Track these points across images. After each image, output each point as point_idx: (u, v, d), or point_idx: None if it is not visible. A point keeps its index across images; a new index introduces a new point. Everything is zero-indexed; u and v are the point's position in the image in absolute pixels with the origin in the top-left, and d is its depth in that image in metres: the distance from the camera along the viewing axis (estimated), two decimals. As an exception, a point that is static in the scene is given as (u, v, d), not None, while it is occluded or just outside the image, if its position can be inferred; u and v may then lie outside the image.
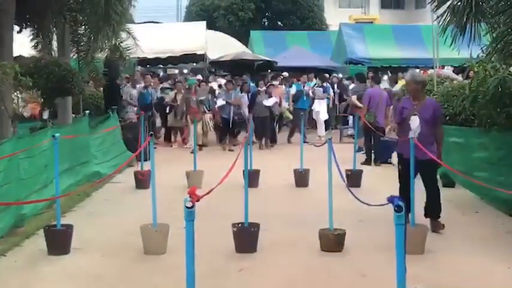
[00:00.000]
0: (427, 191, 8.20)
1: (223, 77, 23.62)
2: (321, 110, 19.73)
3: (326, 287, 6.27)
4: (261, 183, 11.60)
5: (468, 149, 10.22)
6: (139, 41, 16.94)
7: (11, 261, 7.07)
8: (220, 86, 20.22)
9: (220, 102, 17.56)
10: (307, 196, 10.81)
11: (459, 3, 8.63)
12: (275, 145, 18.13)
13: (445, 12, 8.99)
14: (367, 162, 14.28)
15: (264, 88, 18.40)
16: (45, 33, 13.90)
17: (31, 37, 14.03)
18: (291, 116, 19.14)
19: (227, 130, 17.58)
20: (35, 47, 14.33)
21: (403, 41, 26.17)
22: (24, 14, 12.22)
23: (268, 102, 17.55)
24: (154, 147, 8.88)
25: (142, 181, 11.26)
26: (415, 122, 8.09)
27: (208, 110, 17.57)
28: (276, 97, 18.01)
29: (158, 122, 18.65)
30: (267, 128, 17.73)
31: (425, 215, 8.21)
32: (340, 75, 24.20)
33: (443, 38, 9.25)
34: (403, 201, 7.35)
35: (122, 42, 15.41)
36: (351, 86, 20.64)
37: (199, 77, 22.22)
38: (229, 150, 16.75)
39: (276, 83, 19.60)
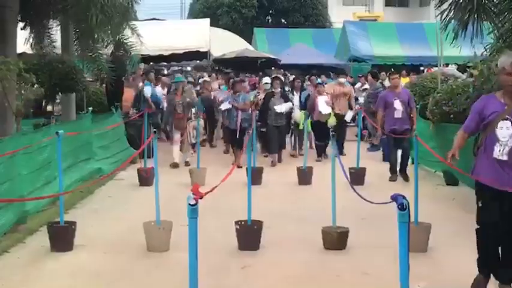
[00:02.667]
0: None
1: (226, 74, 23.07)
2: None
3: (329, 285, 6.26)
4: (264, 181, 11.59)
5: (472, 147, 10.19)
6: (142, 38, 16.89)
7: (14, 258, 7.08)
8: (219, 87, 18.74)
9: (225, 106, 14.31)
10: (310, 194, 10.81)
11: (461, 0, 8.62)
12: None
13: (447, 8, 8.98)
14: (393, 177, 11.93)
15: (310, 89, 15.93)
16: (49, 30, 13.89)
17: (35, 34, 14.01)
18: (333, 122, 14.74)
19: (234, 141, 14.03)
20: (39, 43, 14.32)
21: (407, 39, 26.14)
22: (28, 10, 12.23)
23: (281, 108, 14.09)
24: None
25: (145, 178, 11.26)
26: (506, 130, 5.47)
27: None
28: (326, 99, 14.51)
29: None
30: (284, 141, 14.71)
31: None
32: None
33: (446, 35, 9.24)
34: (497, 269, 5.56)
35: (126, 39, 15.37)
36: (359, 86, 20.15)
37: (205, 75, 22.03)
38: (238, 166, 12.18)
39: (343, 80, 16.31)
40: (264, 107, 14.21)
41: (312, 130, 14.80)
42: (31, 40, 13.68)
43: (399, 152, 12.02)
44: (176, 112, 13.66)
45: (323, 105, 14.32)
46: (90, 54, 13.84)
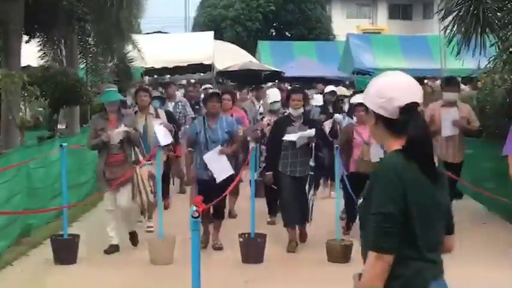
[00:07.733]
0: None
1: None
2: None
3: (333, 298, 6.24)
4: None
5: (476, 159, 10.19)
6: (146, 51, 16.92)
7: (18, 271, 7.07)
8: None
9: (212, 159, 7.76)
10: (314, 206, 10.75)
11: (466, 14, 8.64)
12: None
13: (451, 22, 9.00)
14: None
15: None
16: (54, 43, 13.94)
17: (39, 47, 14.08)
18: None
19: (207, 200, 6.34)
20: (43, 57, 14.38)
21: (410, 52, 26.13)
22: (33, 23, 12.28)
23: (290, 137, 7.80)
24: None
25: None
26: None
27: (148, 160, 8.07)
28: None
29: None
30: (307, 203, 8.02)
31: None
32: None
33: (450, 48, 9.24)
34: None
35: (128, 52, 15.40)
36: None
37: (209, 86, 21.85)
38: (216, 247, 7.83)
39: (453, 95, 8.83)
40: (274, 143, 8.14)
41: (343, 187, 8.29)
42: (35, 53, 13.74)
43: None
44: (109, 154, 7.77)
45: (374, 146, 7.65)
46: (94, 67, 13.90)
